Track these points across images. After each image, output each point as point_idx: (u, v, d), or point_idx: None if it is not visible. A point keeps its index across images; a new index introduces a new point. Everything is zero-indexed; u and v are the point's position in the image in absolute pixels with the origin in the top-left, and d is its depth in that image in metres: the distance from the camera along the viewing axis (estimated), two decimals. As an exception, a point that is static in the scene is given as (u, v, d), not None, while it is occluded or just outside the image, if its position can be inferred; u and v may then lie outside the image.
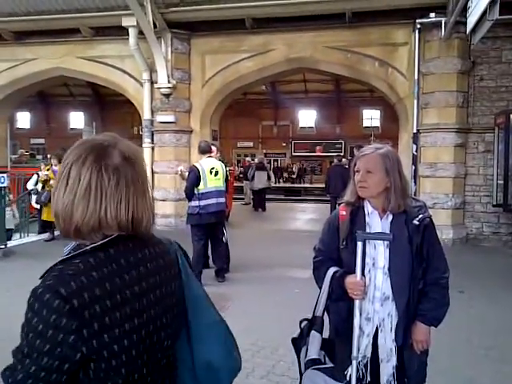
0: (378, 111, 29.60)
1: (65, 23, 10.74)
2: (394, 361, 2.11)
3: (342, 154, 26.82)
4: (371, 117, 30.81)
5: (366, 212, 2.16)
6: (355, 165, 2.15)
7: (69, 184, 1.10)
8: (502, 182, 8.88)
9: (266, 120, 32.80)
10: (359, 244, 2.05)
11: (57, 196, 1.11)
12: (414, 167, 9.70)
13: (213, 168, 6.21)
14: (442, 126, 9.32)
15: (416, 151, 9.68)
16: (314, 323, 2.20)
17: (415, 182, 9.70)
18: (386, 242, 2.10)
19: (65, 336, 1.01)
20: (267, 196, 15.82)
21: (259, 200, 15.22)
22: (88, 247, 1.09)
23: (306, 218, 13.74)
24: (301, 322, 2.27)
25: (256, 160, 15.93)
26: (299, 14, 9.74)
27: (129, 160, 1.14)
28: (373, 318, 2.14)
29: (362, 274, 2.08)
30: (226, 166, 6.64)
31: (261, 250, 8.47)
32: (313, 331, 2.18)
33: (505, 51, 9.29)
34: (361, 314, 2.12)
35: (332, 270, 2.17)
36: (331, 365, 2.16)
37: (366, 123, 31.39)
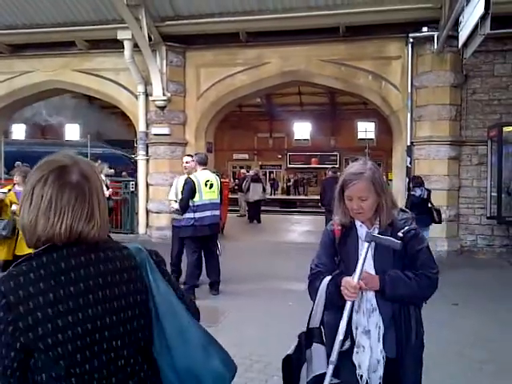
0: (373, 123, 29.77)
1: (61, 36, 10.80)
2: (380, 372, 2.10)
3: (336, 165, 26.94)
4: (366, 129, 30.96)
5: (357, 226, 2.21)
6: (343, 189, 2.16)
7: (33, 201, 1.25)
8: (495, 194, 8.94)
9: (262, 132, 32.91)
10: (366, 245, 2.06)
11: (22, 212, 1.27)
12: (408, 179, 9.73)
13: (208, 180, 6.22)
14: (435, 138, 9.39)
15: (410, 163, 9.73)
16: (312, 335, 2.16)
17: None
18: (371, 254, 2.12)
19: (5, 326, 1.18)
20: (262, 208, 15.82)
21: (254, 212, 15.22)
22: (33, 253, 1.24)
23: (302, 229, 13.74)
24: (299, 337, 2.24)
25: (251, 172, 15.96)
26: (293, 27, 9.84)
27: (85, 177, 1.29)
28: (371, 330, 2.13)
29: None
30: (220, 178, 6.65)
31: (255, 263, 8.45)
32: (314, 344, 2.13)
33: (497, 65, 9.41)
34: (357, 328, 2.11)
35: (328, 277, 2.17)
36: (337, 381, 2.10)
37: (360, 135, 31.54)
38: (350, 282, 2.04)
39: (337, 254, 2.24)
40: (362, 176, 2.11)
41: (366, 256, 2.05)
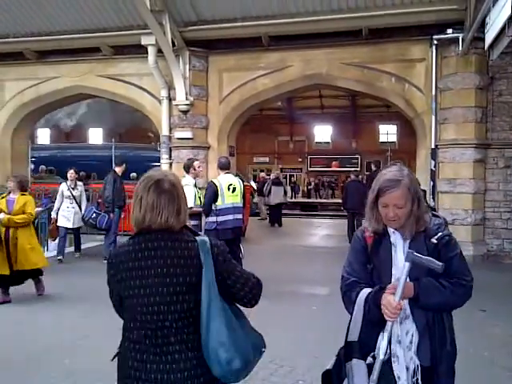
0: (395, 126, 29.50)
1: (86, 42, 11.01)
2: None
3: (358, 169, 26.76)
4: (387, 132, 30.69)
5: (389, 232, 2.17)
6: (379, 195, 2.10)
7: (142, 205, 1.82)
8: (522, 197, 8.75)
9: (282, 135, 32.93)
10: (406, 264, 2.00)
11: (135, 211, 1.85)
12: (432, 183, 9.63)
13: (230, 184, 6.25)
14: (460, 141, 9.26)
15: (434, 167, 9.61)
16: (352, 350, 2.11)
17: (434, 198, 9.61)
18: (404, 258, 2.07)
19: (110, 277, 1.87)
20: (283, 211, 15.80)
21: (275, 215, 15.21)
22: (133, 235, 1.87)
23: (323, 233, 13.67)
24: (339, 352, 2.17)
25: (272, 175, 15.96)
26: (315, 31, 9.83)
27: (173, 185, 1.87)
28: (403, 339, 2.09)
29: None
30: (243, 182, 6.67)
31: (278, 266, 8.43)
32: (354, 360, 2.07)
33: (524, 66, 9.24)
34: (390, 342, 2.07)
35: (366, 290, 2.12)
36: None
37: (382, 138, 31.30)
38: (392, 302, 1.98)
39: (369, 261, 2.18)
40: (399, 183, 2.07)
41: (406, 276, 1.99)
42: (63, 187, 8.94)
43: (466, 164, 9.24)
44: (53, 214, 8.90)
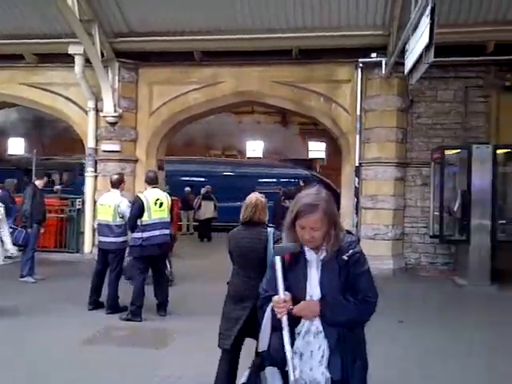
0: (324, 143, 30.41)
1: (9, 49, 10.49)
2: None
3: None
4: (316, 149, 31.61)
5: (305, 251, 2.26)
6: (297, 217, 2.18)
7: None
8: (437, 213, 9.30)
9: (214, 149, 32.92)
10: (277, 259, 2.13)
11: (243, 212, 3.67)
12: (356, 199, 10.01)
13: (157, 199, 6.15)
14: (382, 160, 9.72)
15: (358, 184, 10.00)
16: (264, 359, 2.18)
17: (357, 214, 9.99)
18: (318, 277, 2.19)
19: (228, 242, 3.68)
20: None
21: (205, 230, 15.12)
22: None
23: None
24: (252, 364, 2.24)
25: (203, 190, 15.85)
26: (247, 48, 9.97)
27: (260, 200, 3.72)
28: (301, 351, 2.17)
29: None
30: (170, 196, 6.59)
31: (206, 283, 8.34)
32: (268, 368, 2.15)
33: (440, 91, 9.90)
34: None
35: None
36: None
37: (311, 155, 32.15)
38: (276, 299, 2.12)
39: (286, 277, 2.25)
40: (316, 208, 2.15)
41: (280, 270, 2.13)
42: None
43: (388, 181, 9.71)
44: None
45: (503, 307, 7.49)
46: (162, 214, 6.16)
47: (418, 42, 6.69)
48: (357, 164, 10.02)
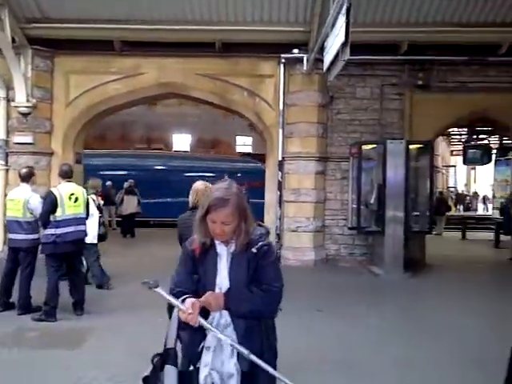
0: (251, 137, 30.64)
1: None
2: None
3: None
4: (244, 143, 31.79)
5: (216, 243, 2.26)
6: (208, 212, 2.17)
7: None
8: (355, 206, 9.69)
9: (139, 143, 32.12)
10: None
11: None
12: (279, 192, 10.18)
13: (72, 194, 5.88)
14: (304, 154, 9.95)
15: (281, 177, 10.18)
16: (167, 357, 2.14)
17: (280, 207, 10.18)
18: (227, 267, 2.22)
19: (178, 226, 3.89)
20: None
21: (128, 226, 14.72)
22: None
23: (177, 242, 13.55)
24: (153, 358, 2.20)
25: (125, 184, 15.39)
26: (169, 40, 9.78)
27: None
28: (213, 346, 2.19)
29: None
30: (87, 191, 6.33)
31: (128, 280, 8.10)
32: (167, 366, 2.12)
33: (358, 88, 10.27)
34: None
35: (181, 298, 2.17)
36: None
37: (239, 149, 32.28)
38: (180, 313, 2.11)
39: (196, 271, 2.27)
40: (227, 202, 2.15)
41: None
42: None
43: (309, 175, 9.96)
44: None
45: (414, 294, 7.98)
46: (77, 210, 5.90)
47: (335, 39, 6.90)
48: (280, 158, 10.19)
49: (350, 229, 9.96)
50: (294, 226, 9.91)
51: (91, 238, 7.09)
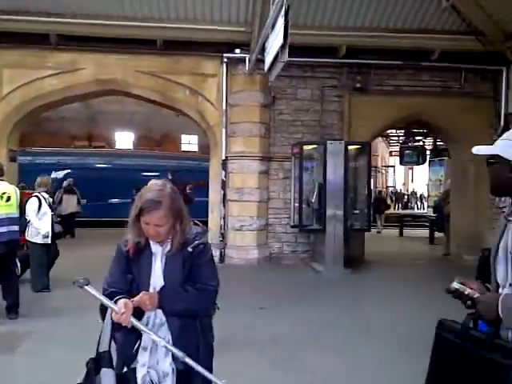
0: (196, 136, 30.45)
1: None
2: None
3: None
4: (189, 141, 31.55)
5: (150, 243, 2.25)
6: (141, 213, 2.15)
7: None
8: (297, 205, 9.88)
9: (79, 140, 31.12)
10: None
11: None
12: (223, 192, 10.21)
13: (4, 193, 5.64)
14: (247, 154, 10.03)
15: (225, 177, 10.21)
16: (100, 360, 2.12)
17: (224, 206, 10.21)
18: (161, 266, 2.22)
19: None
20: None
21: (68, 226, 14.21)
22: None
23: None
24: (87, 362, 2.16)
25: (65, 183, 14.85)
26: (108, 35, 9.56)
27: None
28: (148, 345, 2.18)
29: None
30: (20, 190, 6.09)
31: (64, 279, 7.85)
32: (103, 369, 2.09)
33: (299, 89, 10.46)
34: (140, 345, 2.15)
35: (115, 299, 2.15)
36: None
37: (184, 147, 31.99)
38: (113, 314, 2.10)
39: (130, 271, 2.24)
40: (160, 205, 2.13)
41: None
42: None
43: (252, 175, 10.04)
44: None
45: (354, 290, 8.25)
46: (10, 209, 5.67)
47: (275, 40, 6.99)
48: (223, 157, 10.21)
49: (292, 227, 10.14)
50: (238, 225, 9.97)
51: (40, 238, 6.86)
